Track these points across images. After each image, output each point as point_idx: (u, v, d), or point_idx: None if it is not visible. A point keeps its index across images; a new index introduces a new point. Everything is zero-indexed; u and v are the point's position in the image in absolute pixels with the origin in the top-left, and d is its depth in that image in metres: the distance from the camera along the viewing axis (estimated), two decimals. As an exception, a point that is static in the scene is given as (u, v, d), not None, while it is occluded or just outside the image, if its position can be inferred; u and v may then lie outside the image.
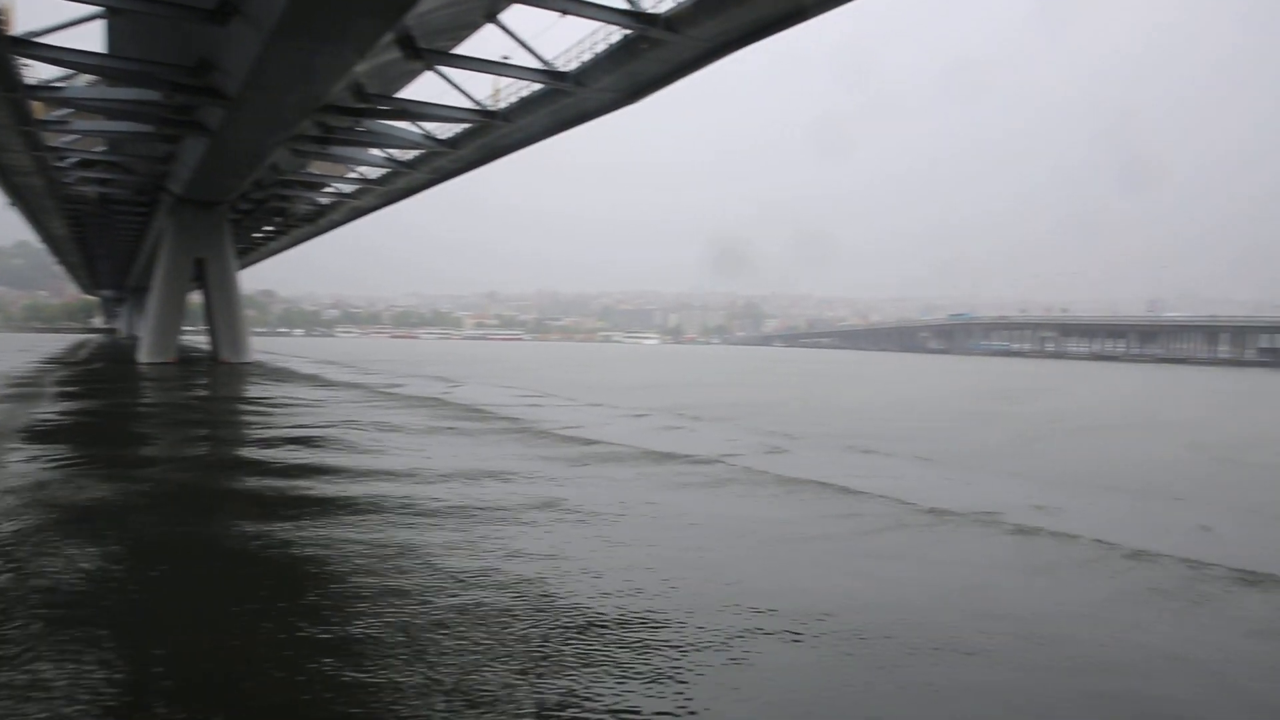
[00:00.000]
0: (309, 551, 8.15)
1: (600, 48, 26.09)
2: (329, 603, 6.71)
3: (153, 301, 47.21)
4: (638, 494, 11.92)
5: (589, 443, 17.30)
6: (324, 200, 54.99)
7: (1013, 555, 9.18)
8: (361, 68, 25.55)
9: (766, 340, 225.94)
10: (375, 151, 40.83)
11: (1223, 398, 44.11)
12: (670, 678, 5.30)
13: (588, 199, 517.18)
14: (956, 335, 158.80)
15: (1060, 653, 6.06)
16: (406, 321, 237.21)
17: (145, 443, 17.28)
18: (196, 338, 74.18)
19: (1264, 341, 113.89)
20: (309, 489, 11.39)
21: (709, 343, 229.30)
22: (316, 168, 45.75)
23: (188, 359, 49.31)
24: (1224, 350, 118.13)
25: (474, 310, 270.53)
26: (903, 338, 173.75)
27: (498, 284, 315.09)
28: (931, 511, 11.04)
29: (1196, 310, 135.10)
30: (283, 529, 8.97)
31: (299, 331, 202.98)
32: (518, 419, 21.88)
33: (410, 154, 40.66)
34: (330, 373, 43.62)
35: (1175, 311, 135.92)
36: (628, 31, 24.47)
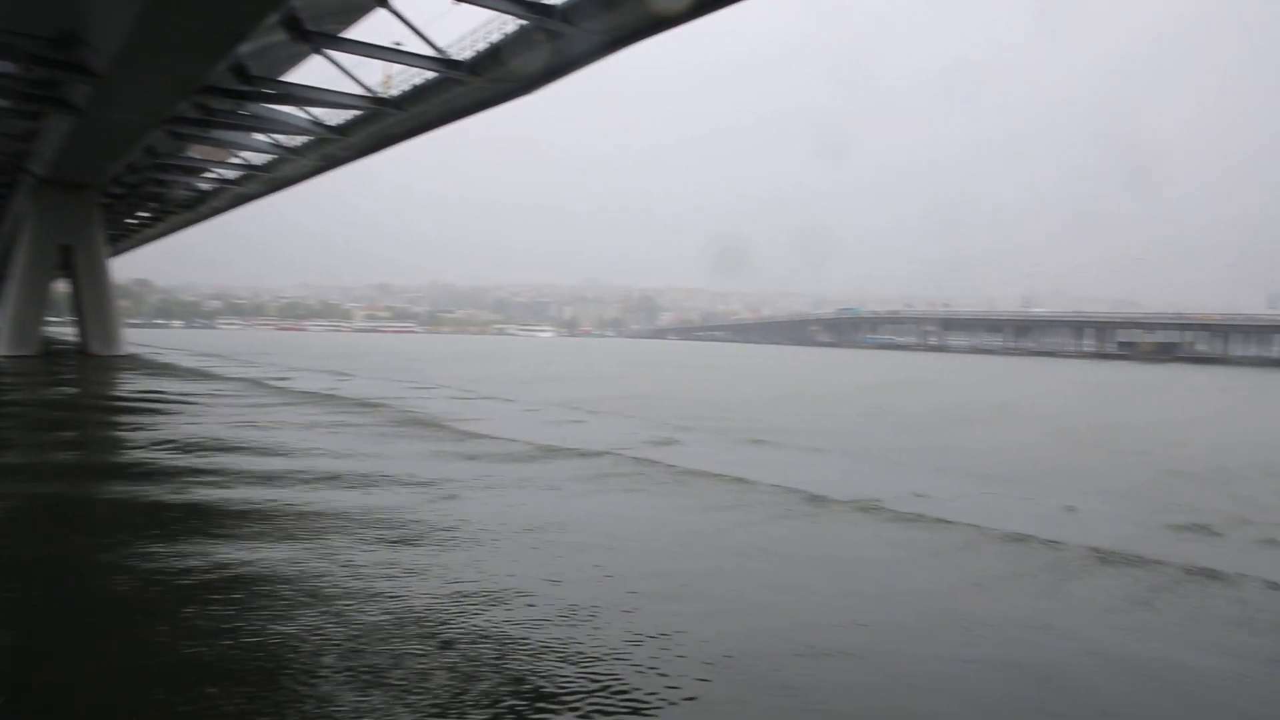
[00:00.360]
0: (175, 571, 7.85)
1: (495, 37, 25.79)
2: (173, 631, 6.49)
3: (12, 290, 44.25)
4: (522, 492, 11.91)
5: (480, 437, 17.16)
6: (204, 186, 52.62)
7: (893, 539, 9.60)
8: (245, 48, 24.55)
9: (661, 333, 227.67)
10: (260, 137, 39.25)
11: (1085, 388, 46.77)
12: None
13: (490, 185, 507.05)
14: (845, 329, 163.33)
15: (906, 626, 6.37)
16: (294, 313, 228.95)
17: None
18: (63, 329, 70.05)
19: (1122, 336, 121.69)
20: (184, 497, 10.96)
21: (604, 335, 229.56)
22: (197, 152, 43.72)
23: (52, 352, 46.53)
24: (1088, 344, 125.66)
25: (365, 302, 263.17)
26: (793, 331, 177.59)
27: (389, 275, 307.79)
28: (815, 499, 11.44)
29: (1064, 307, 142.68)
30: (155, 549, 8.61)
31: (178, 323, 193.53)
32: (410, 413, 21.51)
33: (298, 140, 39.26)
34: (211, 365, 41.83)
35: (1044, 308, 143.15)
36: (524, 22, 24.27)
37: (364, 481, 11.69)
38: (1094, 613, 7.12)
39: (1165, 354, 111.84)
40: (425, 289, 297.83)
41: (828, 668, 5.79)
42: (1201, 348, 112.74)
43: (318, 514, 9.60)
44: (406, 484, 11.66)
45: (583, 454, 15.08)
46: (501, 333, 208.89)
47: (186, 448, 14.51)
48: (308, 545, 8.21)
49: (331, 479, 11.73)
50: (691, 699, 5.18)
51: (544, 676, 5.33)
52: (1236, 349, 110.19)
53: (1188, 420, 29.41)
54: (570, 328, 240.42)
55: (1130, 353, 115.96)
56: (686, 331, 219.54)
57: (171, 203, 55.81)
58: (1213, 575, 8.24)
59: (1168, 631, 6.78)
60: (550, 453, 15.20)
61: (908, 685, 5.54)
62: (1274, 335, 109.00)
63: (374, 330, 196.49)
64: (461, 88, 29.22)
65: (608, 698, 5.10)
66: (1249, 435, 24.66)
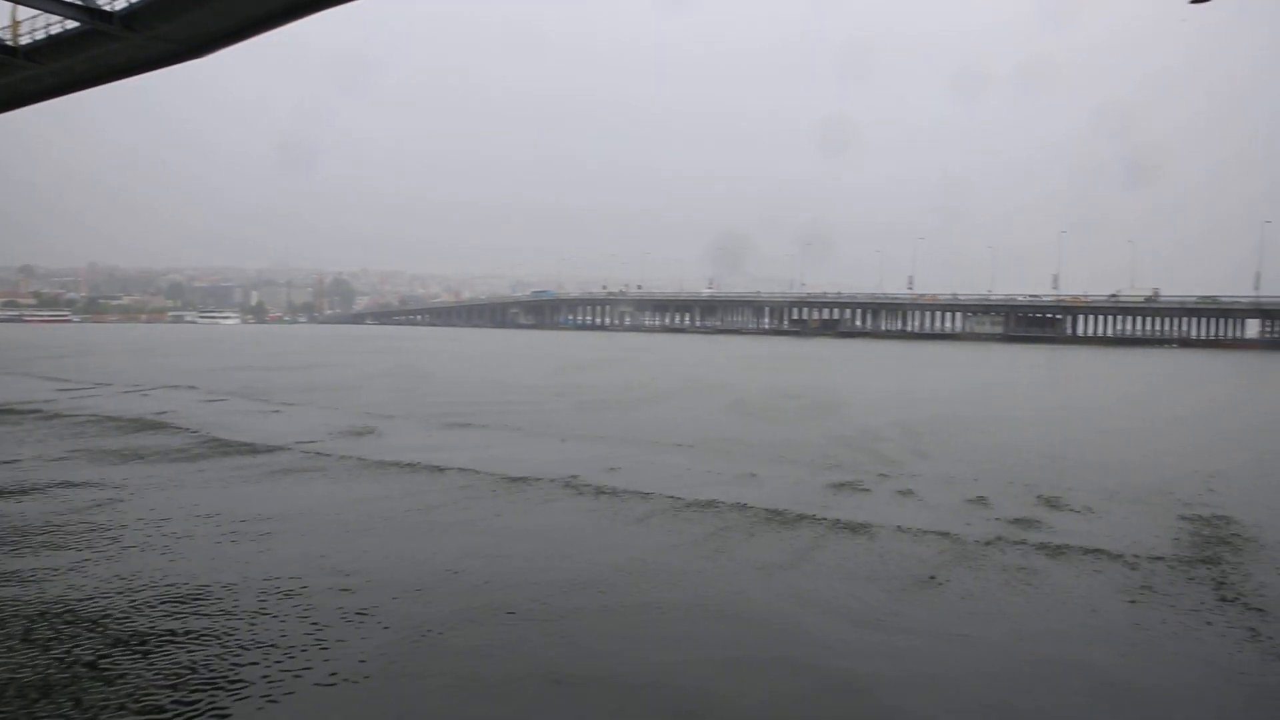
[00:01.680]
0: None
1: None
2: None
3: None
4: (200, 489, 10.94)
5: (157, 428, 15.51)
6: None
7: (593, 509, 9.92)
8: None
9: (358, 318, 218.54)
10: None
11: (755, 360, 51.29)
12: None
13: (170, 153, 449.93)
14: (545, 311, 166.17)
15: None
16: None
17: None
18: None
19: (794, 314, 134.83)
20: None
21: (296, 321, 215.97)
22: None
23: None
24: (767, 322, 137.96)
25: (3, 288, 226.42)
26: (494, 314, 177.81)
27: (36, 257, 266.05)
28: (520, 480, 11.52)
29: (748, 287, 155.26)
30: None
31: None
32: (69, 411, 18.91)
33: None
34: None
35: (731, 289, 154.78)
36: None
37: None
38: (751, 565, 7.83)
39: (829, 329, 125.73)
40: (83, 272, 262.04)
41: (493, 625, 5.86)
42: (858, 324, 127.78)
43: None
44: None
45: (270, 449, 14.07)
46: (179, 320, 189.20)
47: None
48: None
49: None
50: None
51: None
52: (883, 324, 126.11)
53: (852, 387, 33.07)
54: (258, 314, 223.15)
55: (801, 329, 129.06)
56: (385, 316, 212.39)
57: None
58: (865, 526, 9.36)
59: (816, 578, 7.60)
60: (222, 447, 14.02)
61: (623, 627, 5.77)
62: (911, 311, 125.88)
63: (16, 319, 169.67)
64: (115, 44, 25.92)
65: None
66: (898, 403, 28.20)
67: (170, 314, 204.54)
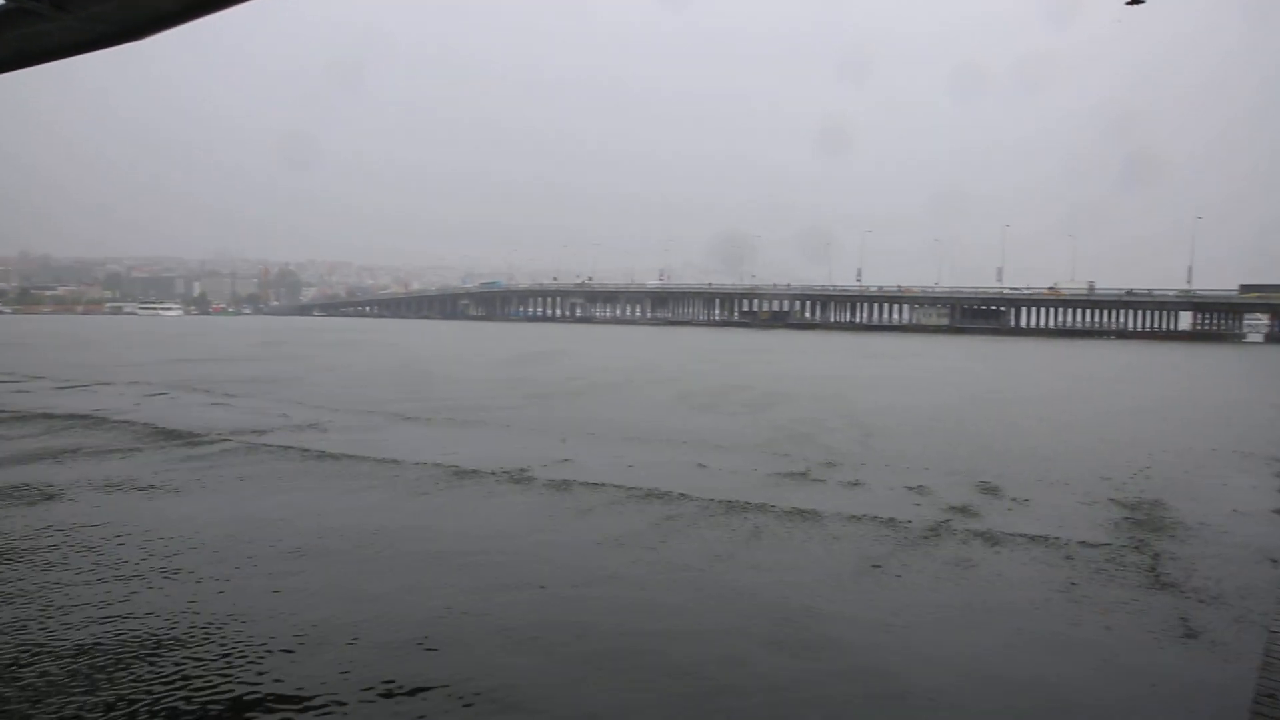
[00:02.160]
0: None
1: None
2: None
3: None
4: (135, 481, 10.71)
5: (101, 424, 15.13)
6: None
7: (541, 502, 9.90)
8: None
9: (305, 310, 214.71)
10: None
11: (706, 352, 51.54)
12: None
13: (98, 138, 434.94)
14: (495, 302, 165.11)
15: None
16: None
17: None
18: None
19: (744, 306, 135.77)
20: None
21: (240, 313, 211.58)
22: None
23: None
24: (717, 314, 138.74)
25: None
26: (444, 305, 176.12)
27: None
28: (472, 473, 11.46)
29: (699, 279, 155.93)
30: None
31: None
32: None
33: None
34: None
35: (682, 280, 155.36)
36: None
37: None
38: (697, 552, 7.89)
39: (779, 321, 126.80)
40: (13, 261, 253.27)
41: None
42: (808, 315, 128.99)
43: None
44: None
45: (215, 440, 13.80)
46: (118, 312, 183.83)
47: None
48: None
49: None
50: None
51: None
52: (833, 316, 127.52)
53: (798, 378, 33.40)
54: (200, 306, 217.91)
55: (751, 320, 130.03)
56: (333, 307, 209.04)
57: None
58: (808, 515, 9.47)
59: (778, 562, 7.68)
60: (171, 437, 13.72)
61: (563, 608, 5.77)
62: (860, 303, 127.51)
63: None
64: (46, 24, 24.93)
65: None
66: (843, 394, 28.57)
67: (109, 305, 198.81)
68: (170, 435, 14.44)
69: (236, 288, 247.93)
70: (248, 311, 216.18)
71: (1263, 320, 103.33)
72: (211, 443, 13.79)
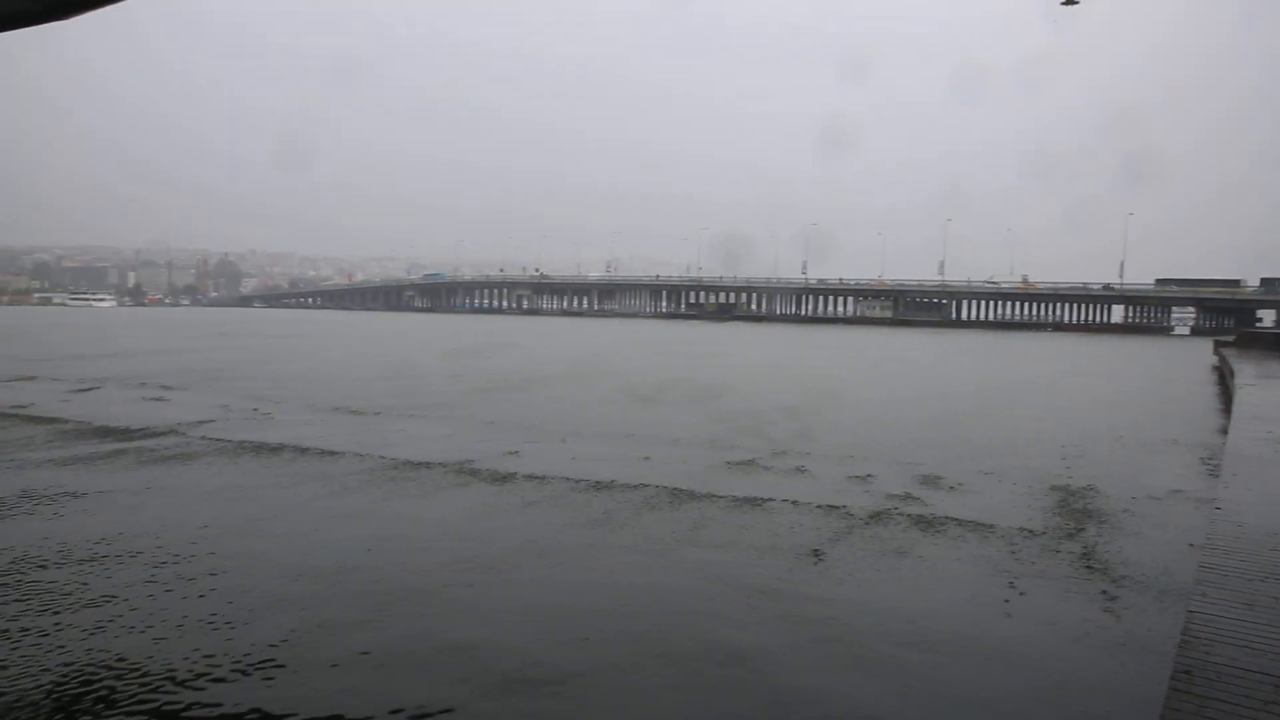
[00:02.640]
0: None
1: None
2: None
3: None
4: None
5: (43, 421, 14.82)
6: None
7: (487, 493, 10.01)
8: None
9: (245, 301, 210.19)
10: None
11: (651, 344, 51.74)
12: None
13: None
14: (441, 294, 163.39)
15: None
16: None
17: None
18: None
19: (691, 298, 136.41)
20: None
21: (178, 304, 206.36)
22: None
23: None
24: (664, 306, 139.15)
25: None
26: (389, 297, 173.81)
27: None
28: (420, 465, 11.50)
29: (647, 271, 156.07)
30: None
31: None
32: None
33: None
34: None
35: (629, 273, 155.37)
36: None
37: None
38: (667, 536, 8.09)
39: (725, 313, 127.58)
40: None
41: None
42: (754, 308, 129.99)
43: None
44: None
45: (155, 434, 13.62)
46: (46, 303, 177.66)
47: None
48: None
49: None
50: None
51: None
52: (779, 308, 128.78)
53: (741, 370, 33.79)
54: (135, 297, 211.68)
55: (698, 312, 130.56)
56: (274, 299, 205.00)
57: None
58: (755, 502, 9.74)
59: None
60: (123, 435, 13.51)
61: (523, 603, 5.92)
62: (805, 296, 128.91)
63: None
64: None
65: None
66: (785, 386, 28.99)
67: (37, 296, 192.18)
68: (105, 433, 14.20)
69: (174, 278, 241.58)
70: (185, 303, 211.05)
71: (1190, 313, 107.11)
72: (144, 436, 13.60)
